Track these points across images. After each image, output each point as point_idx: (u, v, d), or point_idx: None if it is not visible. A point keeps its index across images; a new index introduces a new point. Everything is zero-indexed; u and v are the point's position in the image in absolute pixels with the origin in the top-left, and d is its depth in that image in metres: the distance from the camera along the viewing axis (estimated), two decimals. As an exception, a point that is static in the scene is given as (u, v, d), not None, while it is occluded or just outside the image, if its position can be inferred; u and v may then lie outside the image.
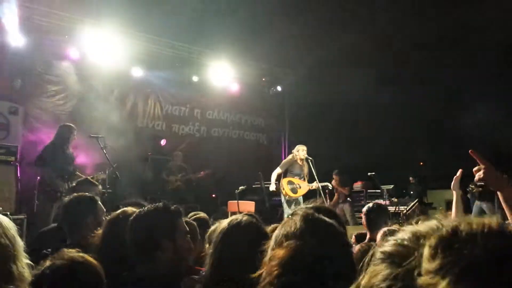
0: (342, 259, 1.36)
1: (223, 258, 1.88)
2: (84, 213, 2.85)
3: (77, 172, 7.54)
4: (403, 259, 0.68)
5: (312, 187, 8.30)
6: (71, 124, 7.59)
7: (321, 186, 8.30)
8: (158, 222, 2.20)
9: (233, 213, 8.80)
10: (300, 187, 8.27)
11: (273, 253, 1.37)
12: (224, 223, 2.07)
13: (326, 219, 1.46)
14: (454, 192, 2.78)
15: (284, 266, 1.31)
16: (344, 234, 1.52)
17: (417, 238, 0.70)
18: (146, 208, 2.32)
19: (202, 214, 4.38)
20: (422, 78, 13.39)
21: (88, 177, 7.46)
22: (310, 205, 1.78)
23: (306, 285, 1.28)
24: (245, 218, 2.04)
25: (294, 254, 1.33)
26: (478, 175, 1.92)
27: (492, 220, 0.67)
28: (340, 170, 10.51)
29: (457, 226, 0.66)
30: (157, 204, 2.30)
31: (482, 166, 1.91)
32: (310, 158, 8.34)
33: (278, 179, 8.42)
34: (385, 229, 3.30)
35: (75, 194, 3.25)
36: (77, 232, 2.79)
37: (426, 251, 0.65)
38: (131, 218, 2.28)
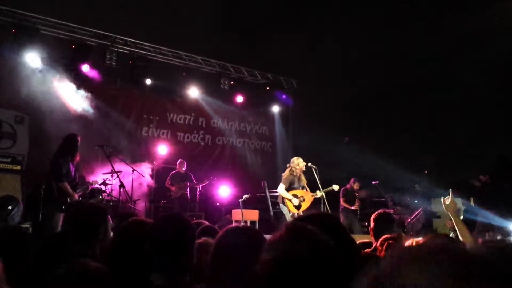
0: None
1: (218, 268, 1.80)
2: (95, 223, 2.87)
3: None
4: None
5: (316, 195, 8.26)
6: (75, 133, 7.57)
7: (325, 192, 8.25)
8: (185, 228, 2.21)
9: (237, 222, 8.81)
10: (304, 200, 8.22)
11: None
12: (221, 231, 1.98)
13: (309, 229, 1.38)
14: (452, 217, 2.86)
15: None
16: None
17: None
18: (166, 215, 2.34)
19: (206, 223, 4.35)
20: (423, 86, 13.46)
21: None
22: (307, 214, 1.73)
23: None
24: (241, 225, 1.99)
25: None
26: None
27: None
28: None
29: None
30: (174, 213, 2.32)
31: None
32: (314, 167, 8.31)
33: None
34: (383, 237, 3.30)
35: (86, 203, 3.27)
36: (88, 241, 2.82)
37: None
38: (155, 224, 2.29)
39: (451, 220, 3.25)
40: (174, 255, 2.11)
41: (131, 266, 2.14)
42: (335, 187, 8.53)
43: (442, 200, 3.17)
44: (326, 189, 8.29)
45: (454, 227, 3.10)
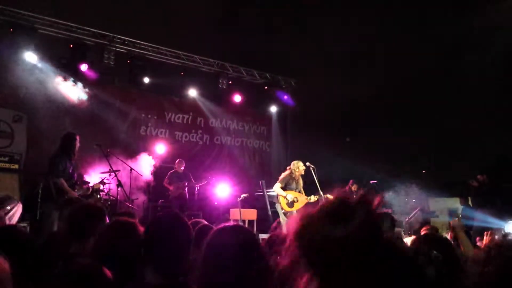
0: None
1: (208, 265, 1.81)
2: (93, 223, 2.86)
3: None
4: None
5: (310, 199, 8.25)
6: (74, 132, 7.51)
7: (319, 198, 8.21)
8: (182, 228, 2.19)
9: (236, 221, 8.80)
10: (297, 201, 8.23)
11: None
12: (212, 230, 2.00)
13: None
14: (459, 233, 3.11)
15: None
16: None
17: None
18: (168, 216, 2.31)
19: (204, 223, 4.30)
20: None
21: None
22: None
23: None
24: (232, 224, 1.99)
25: None
26: None
27: None
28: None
29: None
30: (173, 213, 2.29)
31: None
32: (313, 166, 8.33)
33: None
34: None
35: (83, 203, 3.25)
36: (85, 241, 2.80)
37: None
38: (152, 223, 2.28)
39: (451, 220, 3.40)
40: (171, 255, 2.09)
41: (124, 266, 2.12)
42: (330, 197, 8.49)
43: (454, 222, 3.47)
44: (321, 196, 8.26)
45: (454, 226, 3.30)
